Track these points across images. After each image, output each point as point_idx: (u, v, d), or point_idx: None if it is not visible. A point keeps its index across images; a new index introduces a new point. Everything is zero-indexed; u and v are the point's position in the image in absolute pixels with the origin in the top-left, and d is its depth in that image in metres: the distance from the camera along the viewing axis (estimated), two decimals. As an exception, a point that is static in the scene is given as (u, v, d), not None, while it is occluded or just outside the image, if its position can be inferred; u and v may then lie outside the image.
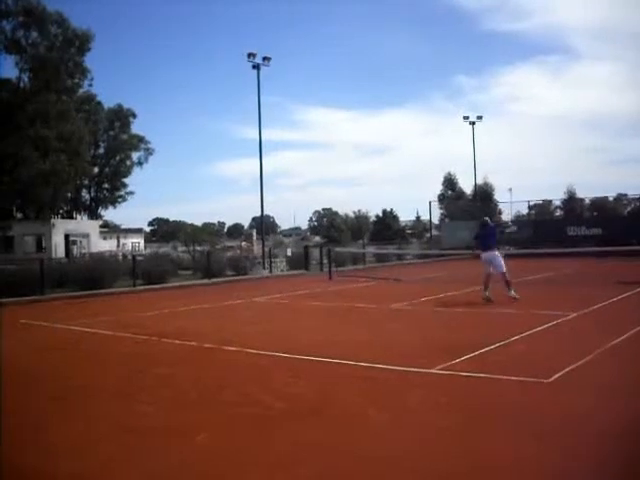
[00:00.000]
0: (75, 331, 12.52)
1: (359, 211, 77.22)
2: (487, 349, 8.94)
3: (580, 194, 49.29)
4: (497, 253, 15.32)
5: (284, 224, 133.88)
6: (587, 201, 47.82)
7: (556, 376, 7.17)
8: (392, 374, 7.80)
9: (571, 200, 48.93)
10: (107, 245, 53.60)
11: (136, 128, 62.75)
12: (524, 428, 5.51)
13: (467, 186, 57.78)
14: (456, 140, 78.98)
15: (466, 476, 4.51)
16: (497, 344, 9.27)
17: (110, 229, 70.01)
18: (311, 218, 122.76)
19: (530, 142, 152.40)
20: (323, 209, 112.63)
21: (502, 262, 15.14)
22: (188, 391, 7.30)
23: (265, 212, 36.50)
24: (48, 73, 43.78)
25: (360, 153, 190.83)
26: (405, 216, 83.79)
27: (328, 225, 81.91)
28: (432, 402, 6.52)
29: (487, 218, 16.70)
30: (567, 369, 7.48)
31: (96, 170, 60.02)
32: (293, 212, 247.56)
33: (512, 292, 14.79)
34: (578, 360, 7.92)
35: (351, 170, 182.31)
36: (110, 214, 74.09)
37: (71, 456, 5.14)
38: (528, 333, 10.24)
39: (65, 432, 5.78)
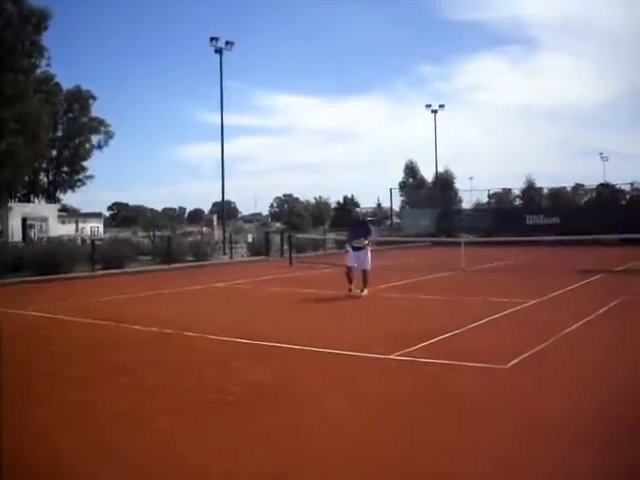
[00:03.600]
0: (33, 316, 12.30)
1: (320, 197, 77.12)
2: (445, 336, 9.03)
3: (539, 184, 50.06)
4: (368, 250, 14.53)
5: (245, 210, 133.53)
6: (545, 191, 48.52)
7: (514, 362, 7.29)
8: (350, 360, 7.84)
9: (530, 189, 49.64)
10: (65, 229, 52.60)
11: (96, 111, 61.87)
12: (482, 413, 5.60)
13: (428, 174, 58.31)
14: (418, 128, 79.80)
15: (423, 463, 4.57)
16: (456, 331, 9.38)
17: (69, 213, 68.80)
18: (272, 204, 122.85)
19: (491, 131, 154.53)
20: (284, 195, 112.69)
21: (369, 260, 14.48)
22: (148, 377, 7.25)
23: (226, 198, 36.35)
24: (4, 52, 42.70)
25: (322, 139, 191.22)
26: (366, 203, 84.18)
27: (289, 211, 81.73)
28: (389, 389, 6.57)
29: (360, 214, 16.28)
30: (525, 355, 7.62)
31: (54, 153, 58.91)
32: (254, 198, 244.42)
33: (365, 292, 14.09)
34: (536, 346, 8.07)
35: (313, 156, 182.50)
36: (69, 198, 72.78)
37: (30, 443, 5.05)
38: (486, 320, 10.39)
39: (25, 420, 5.68)
